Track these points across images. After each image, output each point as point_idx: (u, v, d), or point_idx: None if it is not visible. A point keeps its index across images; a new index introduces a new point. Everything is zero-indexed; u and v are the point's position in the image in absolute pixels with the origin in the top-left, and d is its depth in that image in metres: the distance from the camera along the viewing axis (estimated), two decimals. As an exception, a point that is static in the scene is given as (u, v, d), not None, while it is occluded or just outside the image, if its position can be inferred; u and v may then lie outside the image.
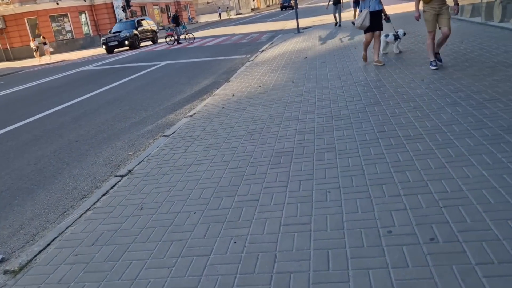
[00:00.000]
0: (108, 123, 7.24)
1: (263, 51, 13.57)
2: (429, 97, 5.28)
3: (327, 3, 17.80)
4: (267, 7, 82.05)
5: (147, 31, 26.62)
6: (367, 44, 8.16)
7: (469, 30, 10.58)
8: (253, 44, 17.48)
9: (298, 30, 18.25)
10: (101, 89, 10.61)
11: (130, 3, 33.47)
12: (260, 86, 7.81)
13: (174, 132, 5.69)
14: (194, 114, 6.58)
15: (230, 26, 34.17)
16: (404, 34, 9.00)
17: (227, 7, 62.97)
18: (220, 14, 59.76)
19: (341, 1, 17.37)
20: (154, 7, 45.35)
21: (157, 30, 28.27)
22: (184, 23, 22.60)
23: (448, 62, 7.19)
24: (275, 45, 14.81)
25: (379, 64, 7.89)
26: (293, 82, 7.71)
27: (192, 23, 52.46)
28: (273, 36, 19.13)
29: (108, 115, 7.86)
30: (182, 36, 22.11)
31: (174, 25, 22.18)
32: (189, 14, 54.08)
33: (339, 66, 8.56)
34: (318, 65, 9.11)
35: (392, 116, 4.77)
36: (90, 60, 20.28)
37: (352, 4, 17.11)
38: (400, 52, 9.02)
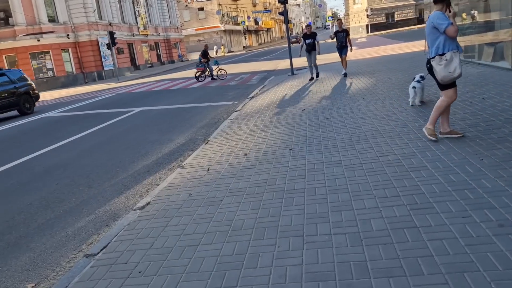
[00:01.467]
0: (28, 212, 5.11)
1: (252, 97, 11.70)
2: (515, 199, 3.27)
3: (299, 47, 14.60)
4: (259, 45, 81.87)
5: (4, 94, 14.54)
6: (448, 106, 5.03)
7: (499, 78, 8.78)
8: (243, 87, 15.69)
9: (292, 72, 16.56)
10: (48, 148, 8.51)
11: (116, 41, 31.95)
12: (246, 155, 5.80)
13: (105, 248, 3.58)
14: (148, 204, 4.49)
15: (220, 66, 32.70)
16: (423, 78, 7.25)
17: (221, 45, 62.28)
18: (216, 51, 58.95)
19: (317, 45, 13.56)
20: (143, 44, 44.05)
21: (36, 93, 16.12)
22: (212, 57, 20.15)
23: (501, 125, 5.26)
24: (267, 89, 12.98)
25: (457, 135, 5.10)
26: (290, 149, 5.71)
27: (182, 61, 51.29)
28: (265, 78, 17.43)
29: (37, 194, 5.74)
30: (213, 72, 19.71)
31: (206, 60, 19.63)
32: (179, 52, 52.98)
33: (349, 125, 6.61)
34: (321, 121, 7.16)
35: (469, 246, 2.72)
36: (61, 102, 18.30)
37: (337, 50, 13.61)
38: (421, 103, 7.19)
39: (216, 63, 19.94)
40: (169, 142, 7.93)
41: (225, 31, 65.06)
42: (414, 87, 7.22)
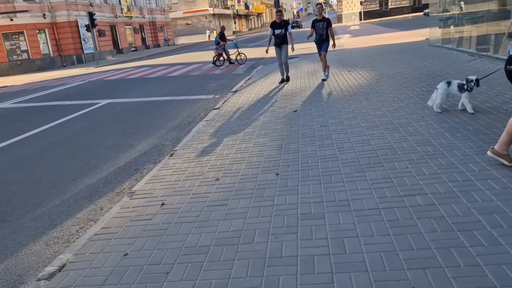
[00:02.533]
0: None
1: (236, 91, 10.16)
2: None
3: (267, 42, 10.51)
4: (249, 30, 79.71)
5: None
6: None
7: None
8: (227, 77, 14.11)
9: (282, 62, 14.93)
10: (-22, 154, 6.92)
11: (96, 22, 29.92)
12: (217, 180, 4.30)
13: None
14: (60, 269, 2.99)
15: (207, 51, 30.93)
16: (476, 83, 5.34)
17: (213, 30, 60.33)
18: (209, 36, 57.16)
19: (289, 38, 10.01)
20: (127, 27, 41.87)
21: None
22: (234, 40, 17.84)
23: None
24: (253, 81, 11.44)
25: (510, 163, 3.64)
26: (277, 174, 4.24)
27: (168, 45, 49.24)
28: (252, 67, 15.84)
29: None
30: (232, 56, 17.69)
31: (224, 43, 17.31)
32: (166, 35, 50.84)
33: (354, 137, 5.13)
34: (317, 130, 5.67)
35: None
36: (26, 89, 16.50)
37: (316, 45, 10.13)
38: (472, 113, 5.55)
39: (236, 46, 17.74)
40: (129, 149, 6.40)
41: (214, 15, 62.87)
42: (437, 89, 5.72)
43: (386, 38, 21.35)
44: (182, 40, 58.34)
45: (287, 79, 10.47)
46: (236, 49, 17.50)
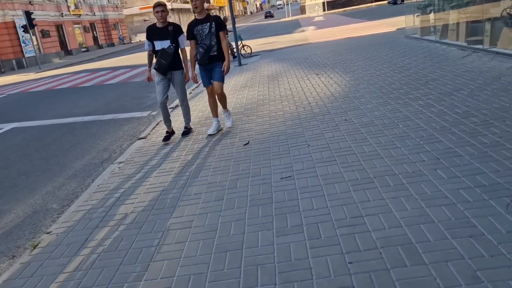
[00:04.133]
0: None
1: (176, 106, 7.94)
2: None
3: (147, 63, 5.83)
4: (211, 24, 76.82)
5: None
6: None
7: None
8: (173, 83, 11.78)
9: (240, 63, 12.78)
10: None
11: (36, 22, 26.82)
12: None
13: None
14: None
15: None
16: None
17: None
18: None
19: (182, 56, 5.60)
20: (75, 26, 38.57)
21: None
22: (238, 33, 14.84)
23: None
24: (201, 90, 9.22)
25: None
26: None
27: (124, 43, 46.14)
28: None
29: None
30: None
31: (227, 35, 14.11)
32: (120, 33, 47.62)
33: (336, 211, 3.04)
34: (276, 189, 3.55)
35: None
36: None
37: (200, 69, 5.51)
38: None
39: (240, 38, 14.86)
40: (-10, 222, 4.10)
41: (173, 9, 59.80)
42: None
43: (354, 30, 19.52)
44: (140, 38, 55.10)
45: (185, 133, 5.74)
46: (240, 42, 14.67)
